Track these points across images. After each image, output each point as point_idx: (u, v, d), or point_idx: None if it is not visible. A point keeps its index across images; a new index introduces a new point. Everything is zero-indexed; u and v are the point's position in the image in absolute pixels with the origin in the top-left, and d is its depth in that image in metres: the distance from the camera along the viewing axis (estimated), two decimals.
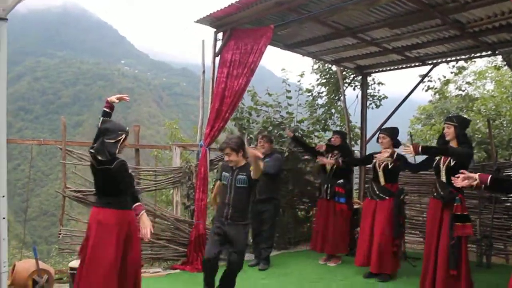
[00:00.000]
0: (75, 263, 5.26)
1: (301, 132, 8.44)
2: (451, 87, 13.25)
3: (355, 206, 7.87)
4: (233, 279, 4.60)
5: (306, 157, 8.14)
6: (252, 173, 4.36)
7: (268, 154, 6.39)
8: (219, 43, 6.65)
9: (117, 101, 4.06)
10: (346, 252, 6.68)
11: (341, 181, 6.48)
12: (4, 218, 2.75)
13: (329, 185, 6.52)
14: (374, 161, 5.82)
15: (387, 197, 5.65)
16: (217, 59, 6.63)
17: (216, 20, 6.42)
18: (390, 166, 5.65)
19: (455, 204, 4.56)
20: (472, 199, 6.92)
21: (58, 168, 5.75)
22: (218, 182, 4.74)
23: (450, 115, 5.01)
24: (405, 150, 4.81)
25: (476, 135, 10.92)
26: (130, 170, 4.03)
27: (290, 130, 7.21)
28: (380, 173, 5.74)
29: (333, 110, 10.11)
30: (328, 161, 6.40)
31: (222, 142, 4.69)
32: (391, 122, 7.82)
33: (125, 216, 3.77)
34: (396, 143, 5.70)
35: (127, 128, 3.95)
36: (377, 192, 5.75)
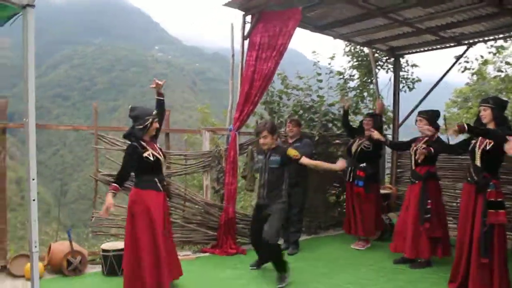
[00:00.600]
0: (107, 245, 5.41)
1: (332, 116, 8.31)
2: (490, 68, 12.79)
3: (386, 191, 7.76)
4: (271, 254, 4.94)
5: (337, 141, 8.03)
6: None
7: (298, 139, 6.36)
8: (248, 27, 6.57)
9: (156, 86, 4.49)
10: (373, 235, 6.59)
11: (363, 164, 6.37)
12: (34, 200, 2.80)
13: (352, 168, 6.43)
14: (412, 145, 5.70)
15: (416, 181, 5.53)
16: (246, 42, 6.57)
17: (244, 3, 6.34)
18: (418, 150, 5.50)
19: (489, 190, 4.36)
20: (508, 184, 6.68)
21: (93, 153, 5.83)
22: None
23: (486, 97, 4.76)
24: (450, 133, 4.57)
25: None
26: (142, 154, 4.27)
27: (346, 100, 7.02)
28: (412, 157, 5.63)
29: (365, 93, 9.91)
30: (378, 135, 6.04)
31: (258, 125, 5.22)
32: (425, 105, 7.59)
33: (139, 195, 4.25)
34: (436, 127, 5.46)
35: (155, 112, 4.33)
36: (410, 177, 5.66)
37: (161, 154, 4.35)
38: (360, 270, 5.45)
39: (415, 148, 5.60)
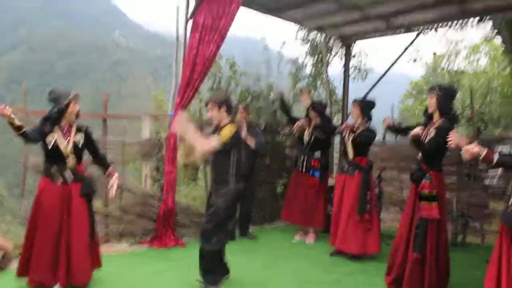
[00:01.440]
0: None
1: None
2: (443, 61, 12.93)
3: (332, 183, 7.64)
4: (203, 252, 4.29)
5: (284, 130, 7.85)
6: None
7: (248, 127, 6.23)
8: (192, 7, 6.24)
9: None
10: (320, 227, 6.42)
11: (317, 154, 6.23)
12: None
13: (306, 157, 6.26)
14: (343, 134, 5.60)
15: (356, 172, 5.40)
16: (190, 24, 6.24)
17: None
18: (358, 139, 5.39)
19: (423, 181, 4.25)
20: (451, 175, 6.67)
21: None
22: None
23: (433, 85, 4.64)
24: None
25: (466, 111, 10.63)
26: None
27: (277, 91, 6.89)
28: (349, 146, 5.49)
29: (318, 82, 9.79)
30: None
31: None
32: (382, 97, 7.48)
33: (40, 182, 4.18)
34: (367, 116, 5.49)
35: (74, 93, 4.08)
36: (347, 167, 5.52)
37: (69, 143, 4.02)
38: (300, 262, 5.34)
39: (352, 137, 5.49)
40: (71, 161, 4.04)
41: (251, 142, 6.09)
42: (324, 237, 6.30)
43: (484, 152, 3.02)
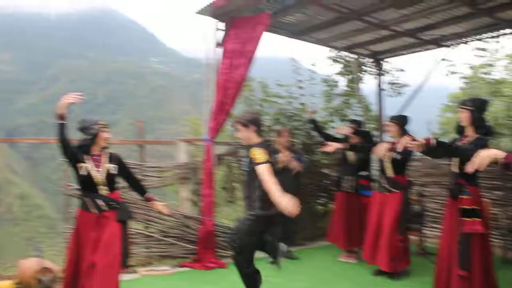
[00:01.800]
0: None
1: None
2: (482, 71, 12.65)
3: None
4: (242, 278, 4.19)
5: (321, 149, 7.87)
6: None
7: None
8: (221, 34, 6.44)
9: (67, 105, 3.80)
10: None
11: (365, 173, 6.22)
12: None
13: (352, 177, 6.24)
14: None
15: (396, 190, 5.35)
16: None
17: (215, 10, 6.21)
18: (399, 157, 5.33)
19: (462, 196, 4.17)
20: (497, 190, 6.50)
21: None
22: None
23: (465, 99, 4.58)
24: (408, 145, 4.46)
25: (509, 121, 10.35)
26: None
27: (310, 109, 6.89)
28: (388, 165, 5.44)
29: (352, 100, 9.77)
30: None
31: None
32: (419, 111, 7.41)
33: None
34: (405, 132, 5.31)
35: (103, 121, 4.07)
36: (385, 185, 5.46)
37: (101, 171, 3.92)
38: (341, 283, 5.29)
39: (387, 154, 5.42)
40: (104, 189, 3.92)
41: (296, 165, 6.15)
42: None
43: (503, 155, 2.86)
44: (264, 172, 3.67)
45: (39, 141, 5.76)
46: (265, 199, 3.77)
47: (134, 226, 6.35)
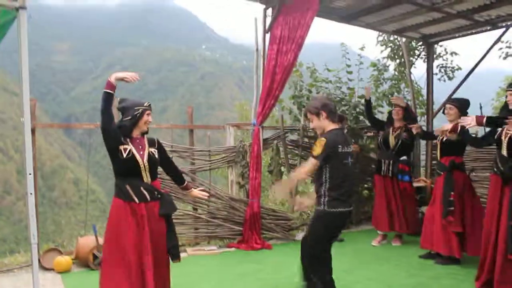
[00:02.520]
0: None
1: (363, 108, 8.11)
2: None
3: (419, 184, 7.50)
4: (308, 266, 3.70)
5: (368, 133, 7.85)
6: None
7: None
8: (269, 20, 6.50)
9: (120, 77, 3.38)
10: (413, 231, 6.25)
11: (404, 157, 6.16)
12: (31, 193, 2.89)
13: (391, 161, 6.20)
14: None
15: (441, 172, 5.29)
16: (268, 36, 6.50)
17: None
18: (444, 139, 5.25)
19: None
20: None
21: None
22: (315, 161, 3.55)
23: None
24: (463, 122, 4.41)
25: None
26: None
27: (367, 90, 6.79)
28: (438, 147, 5.39)
29: (403, 85, 9.60)
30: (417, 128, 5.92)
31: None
32: (473, 95, 7.17)
33: (112, 203, 3.54)
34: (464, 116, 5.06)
35: (147, 103, 3.57)
36: (436, 168, 5.43)
37: (145, 157, 3.44)
38: (384, 266, 5.31)
39: (442, 137, 5.34)
40: (147, 175, 3.45)
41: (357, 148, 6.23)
42: (411, 241, 6.22)
43: None
44: (308, 164, 3.55)
45: (95, 126, 6.03)
46: (333, 194, 3.52)
47: (183, 208, 6.61)
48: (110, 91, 3.28)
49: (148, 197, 3.41)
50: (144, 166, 3.42)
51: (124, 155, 3.35)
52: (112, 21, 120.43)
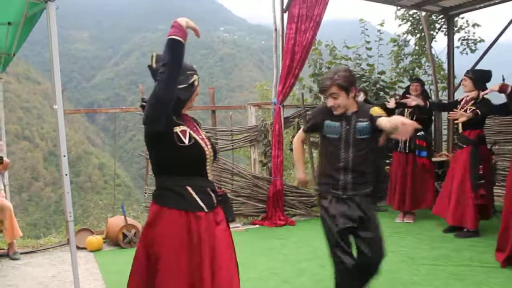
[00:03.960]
0: None
1: (384, 83, 8.12)
2: None
3: (441, 159, 7.49)
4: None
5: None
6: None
7: None
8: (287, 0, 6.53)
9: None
10: (431, 205, 6.32)
11: (421, 133, 6.10)
12: (66, 174, 3.06)
13: (408, 137, 6.19)
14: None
15: (464, 146, 5.28)
16: (286, 15, 6.53)
17: None
18: (468, 111, 5.22)
19: None
20: None
21: None
22: (303, 134, 3.45)
23: None
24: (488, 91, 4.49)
25: None
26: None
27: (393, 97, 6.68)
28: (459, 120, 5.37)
29: (423, 60, 9.53)
30: (416, 101, 5.77)
31: (322, 80, 3.19)
32: (501, 68, 7.07)
33: (156, 216, 2.32)
34: (482, 89, 5.09)
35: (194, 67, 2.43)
36: (456, 141, 5.43)
37: (208, 143, 2.39)
38: (405, 239, 5.38)
39: (462, 109, 5.32)
40: (210, 170, 2.41)
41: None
42: (431, 215, 6.26)
43: None
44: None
45: (119, 111, 6.20)
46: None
47: None
48: (182, 40, 2.14)
49: (215, 202, 2.38)
50: (210, 156, 2.37)
51: (186, 141, 2.25)
52: (129, 7, 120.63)
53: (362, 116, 3.06)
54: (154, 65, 2.27)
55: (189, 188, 2.26)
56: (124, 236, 5.50)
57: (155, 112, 2.14)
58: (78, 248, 5.48)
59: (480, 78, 5.25)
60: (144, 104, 2.23)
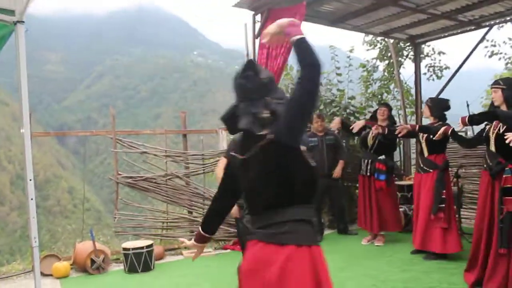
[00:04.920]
0: (128, 244, 5.61)
1: (354, 108, 8.27)
2: None
3: (410, 182, 7.61)
4: None
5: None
6: None
7: (327, 132, 6.73)
8: (258, 25, 6.63)
9: None
10: (399, 229, 6.44)
11: (382, 157, 6.21)
12: (32, 199, 2.99)
13: (370, 160, 6.31)
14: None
15: (430, 170, 5.40)
16: (258, 40, 6.63)
17: (252, 2, 6.39)
18: (432, 137, 5.37)
19: (504, 175, 4.16)
20: None
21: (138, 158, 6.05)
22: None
23: (498, 79, 4.63)
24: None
25: None
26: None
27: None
28: (424, 144, 5.50)
29: (392, 85, 9.77)
30: (378, 128, 5.99)
31: None
32: (464, 93, 7.31)
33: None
34: (439, 116, 5.37)
35: None
36: (422, 165, 5.53)
37: None
38: (376, 262, 5.42)
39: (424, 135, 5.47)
40: None
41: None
42: (402, 238, 6.34)
43: None
44: None
45: (89, 134, 6.14)
46: None
47: (179, 211, 6.72)
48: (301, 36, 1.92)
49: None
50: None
51: (311, 163, 1.95)
52: (103, 30, 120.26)
53: None
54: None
55: (313, 221, 1.99)
56: (92, 262, 5.38)
57: (304, 121, 1.89)
58: (43, 275, 5.35)
59: (437, 105, 5.47)
60: (266, 116, 1.88)
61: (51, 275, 5.33)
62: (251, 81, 1.96)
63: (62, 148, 61.14)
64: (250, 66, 2.00)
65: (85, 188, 19.70)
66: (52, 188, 46.37)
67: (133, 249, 5.38)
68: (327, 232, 7.13)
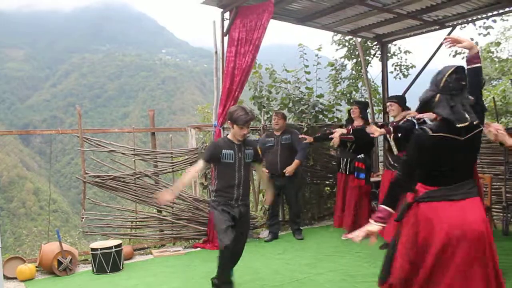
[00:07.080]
0: (96, 244, 5.51)
1: (322, 106, 8.34)
2: (488, 51, 12.59)
3: (378, 179, 7.75)
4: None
5: (327, 131, 8.06)
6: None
7: (284, 131, 6.56)
8: (227, 23, 6.62)
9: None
10: None
11: (361, 156, 6.33)
12: None
13: (349, 159, 6.42)
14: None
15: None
16: (226, 38, 6.62)
17: (221, 0, 6.39)
18: (400, 135, 5.48)
19: None
20: (499, 165, 6.69)
21: (104, 156, 5.97)
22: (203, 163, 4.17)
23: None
24: (369, 130, 5.25)
25: None
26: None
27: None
28: (392, 142, 5.60)
29: (360, 83, 9.89)
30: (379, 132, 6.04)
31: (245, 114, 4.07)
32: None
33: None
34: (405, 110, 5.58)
35: None
36: (392, 162, 5.63)
37: None
38: (345, 258, 5.49)
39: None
40: None
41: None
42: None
43: None
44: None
45: (55, 132, 6.01)
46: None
47: (148, 210, 6.65)
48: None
49: None
50: None
51: None
52: (68, 27, 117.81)
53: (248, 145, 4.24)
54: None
55: None
56: (59, 263, 5.26)
57: None
58: (7, 278, 5.22)
59: (403, 101, 5.66)
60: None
61: (15, 278, 5.19)
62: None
63: (26, 148, 59.58)
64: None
65: (51, 189, 19.22)
66: (16, 190, 45.12)
67: (101, 249, 5.29)
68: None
